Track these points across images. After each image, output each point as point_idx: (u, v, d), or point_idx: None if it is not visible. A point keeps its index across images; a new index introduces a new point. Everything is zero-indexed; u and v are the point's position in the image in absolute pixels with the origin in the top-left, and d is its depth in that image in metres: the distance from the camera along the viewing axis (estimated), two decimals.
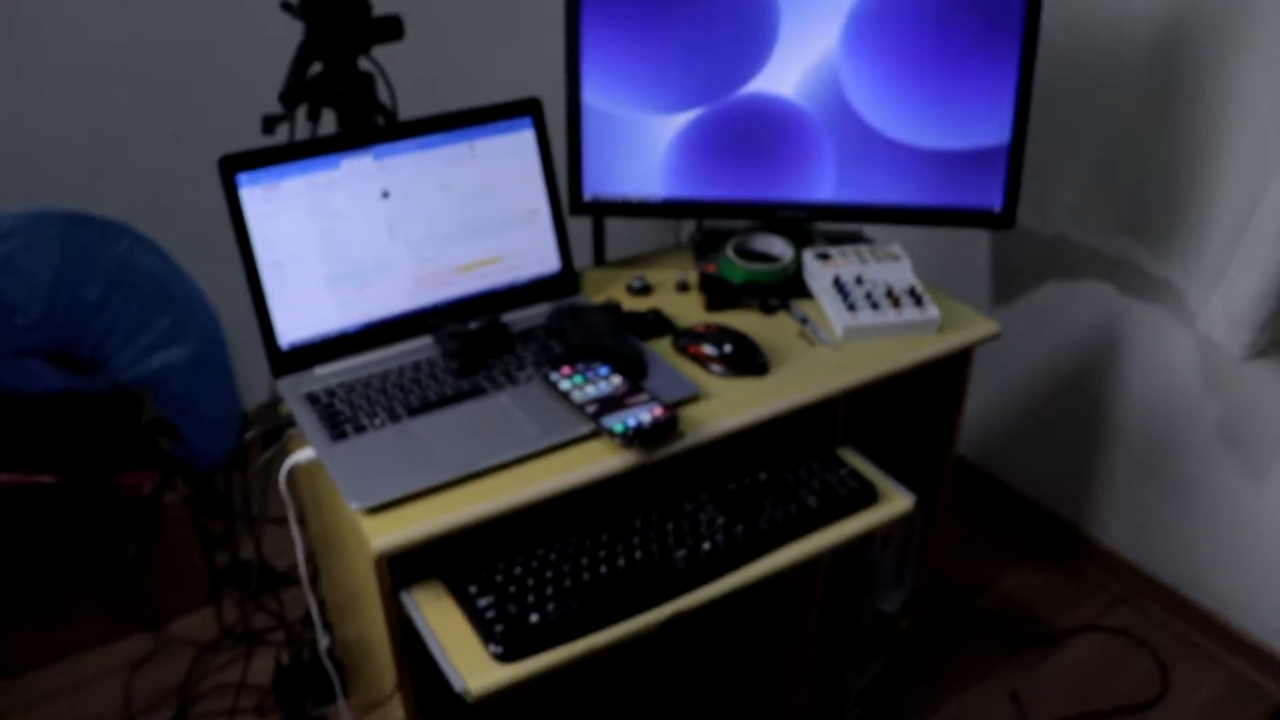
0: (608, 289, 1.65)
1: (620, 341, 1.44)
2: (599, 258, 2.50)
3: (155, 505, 2.09)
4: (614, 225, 2.80)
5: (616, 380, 1.37)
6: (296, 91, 1.45)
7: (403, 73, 1.80)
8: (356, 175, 1.45)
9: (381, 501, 1.22)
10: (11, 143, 2.22)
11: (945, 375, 1.64)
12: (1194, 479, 2.06)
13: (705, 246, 1.72)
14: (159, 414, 2.28)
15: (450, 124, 1.49)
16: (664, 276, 1.69)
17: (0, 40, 2.14)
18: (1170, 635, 2.18)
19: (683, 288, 1.65)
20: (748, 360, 1.44)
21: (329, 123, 1.70)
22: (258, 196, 1.40)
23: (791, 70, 1.58)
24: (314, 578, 1.73)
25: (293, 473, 1.34)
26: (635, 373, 1.41)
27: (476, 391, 1.39)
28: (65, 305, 2.24)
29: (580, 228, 2.74)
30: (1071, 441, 2.28)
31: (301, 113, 1.67)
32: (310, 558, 1.68)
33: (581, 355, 1.42)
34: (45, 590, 2.08)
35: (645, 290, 1.64)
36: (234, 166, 1.38)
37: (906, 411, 1.74)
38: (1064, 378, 2.24)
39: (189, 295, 2.37)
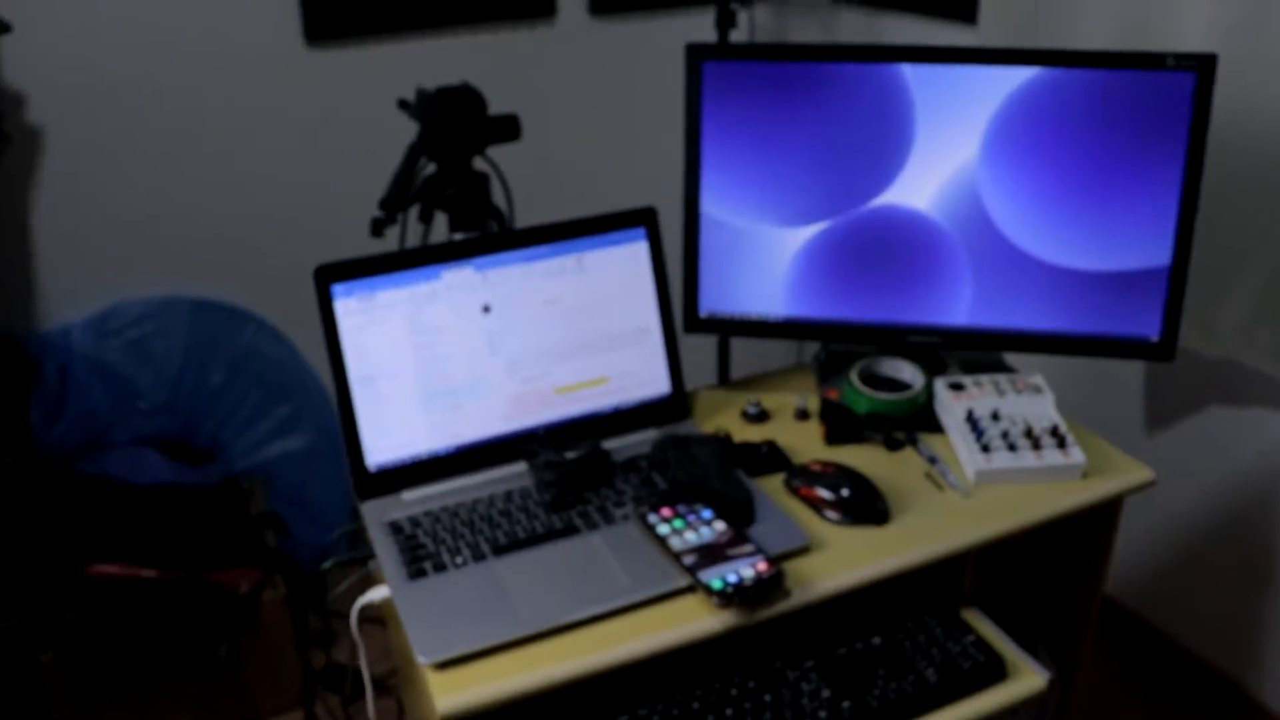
0: (721, 414, 1.54)
1: (727, 480, 1.33)
2: (723, 377, 2.39)
3: (253, 603, 2.04)
4: (736, 340, 2.70)
5: (720, 526, 1.25)
6: (400, 197, 1.39)
7: (519, 175, 1.73)
8: (457, 287, 1.37)
9: (451, 656, 1.12)
10: (146, 230, 2.23)
11: (1089, 525, 1.47)
12: None
13: (829, 368, 1.60)
14: (269, 506, 2.25)
15: (558, 235, 1.41)
16: (783, 401, 1.57)
17: (138, 130, 2.16)
18: None
19: (802, 415, 1.53)
20: (866, 507, 1.31)
21: (441, 226, 1.64)
22: (352, 308, 1.33)
23: (927, 182, 1.45)
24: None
25: (367, 607, 1.25)
26: (741, 518, 1.29)
27: (568, 530, 1.29)
28: (189, 391, 2.24)
29: (703, 343, 2.65)
30: (1234, 587, 2.06)
31: (415, 215, 1.62)
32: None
33: (684, 494, 1.31)
34: (141, 681, 2.04)
35: (761, 417, 1.52)
36: (329, 277, 1.32)
37: (1043, 560, 1.58)
38: (1228, 515, 2.04)
39: (307, 384, 2.35)
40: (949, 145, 1.43)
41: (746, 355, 2.62)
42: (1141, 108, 1.38)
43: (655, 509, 1.28)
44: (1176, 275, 1.44)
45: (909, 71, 1.41)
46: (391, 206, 1.37)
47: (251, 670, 2.13)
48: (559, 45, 2.44)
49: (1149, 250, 1.44)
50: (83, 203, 2.16)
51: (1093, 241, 1.44)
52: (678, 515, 1.27)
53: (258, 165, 2.27)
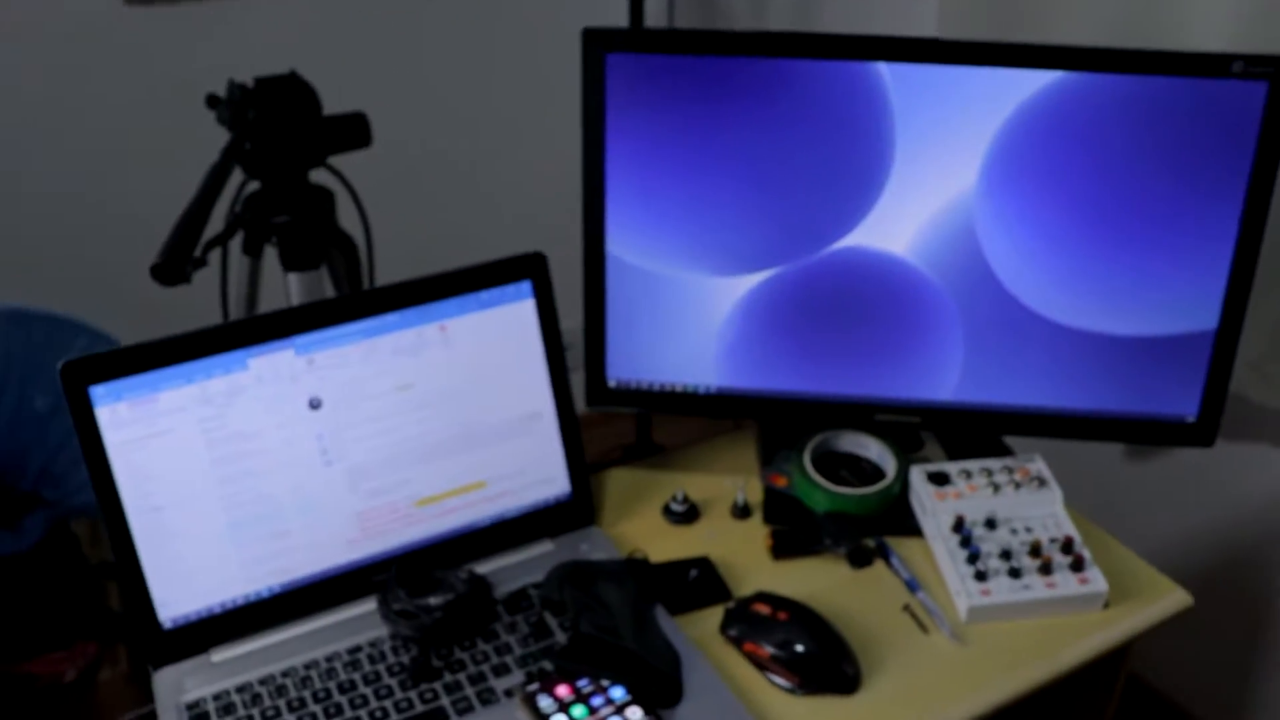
0: (637, 512, 1.20)
1: (644, 635, 0.99)
2: (644, 449, 1.99)
3: (86, 688, 1.68)
4: None
5: (635, 716, 0.92)
6: (184, 247, 1.00)
7: (372, 195, 1.35)
8: (272, 379, 1.00)
9: None
10: None
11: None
12: None
13: (773, 442, 1.25)
14: (113, 555, 1.87)
15: (410, 298, 1.04)
16: (717, 490, 1.22)
17: None
18: None
19: (742, 512, 1.19)
20: (829, 671, 0.99)
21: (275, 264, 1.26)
22: (123, 417, 0.96)
23: (908, 218, 1.10)
24: None
25: None
26: (664, 695, 0.96)
27: (432, 716, 0.95)
28: (8, 418, 1.84)
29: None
30: (1231, 641, 1.77)
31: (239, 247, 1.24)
32: None
33: (585, 660, 0.97)
34: None
35: (690, 515, 1.18)
36: (84, 378, 0.94)
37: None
38: (1228, 560, 1.74)
39: None
40: (938, 171, 1.08)
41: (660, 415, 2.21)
42: (1193, 126, 1.04)
43: (547, 687, 0.94)
44: (1224, 342, 1.11)
45: (887, 72, 1.05)
46: (168, 273, 0.98)
47: None
48: (431, 10, 1.99)
49: (1191, 311, 1.11)
50: None
51: (1120, 299, 1.11)
52: (579, 698, 0.94)
53: (84, 149, 1.85)
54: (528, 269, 1.08)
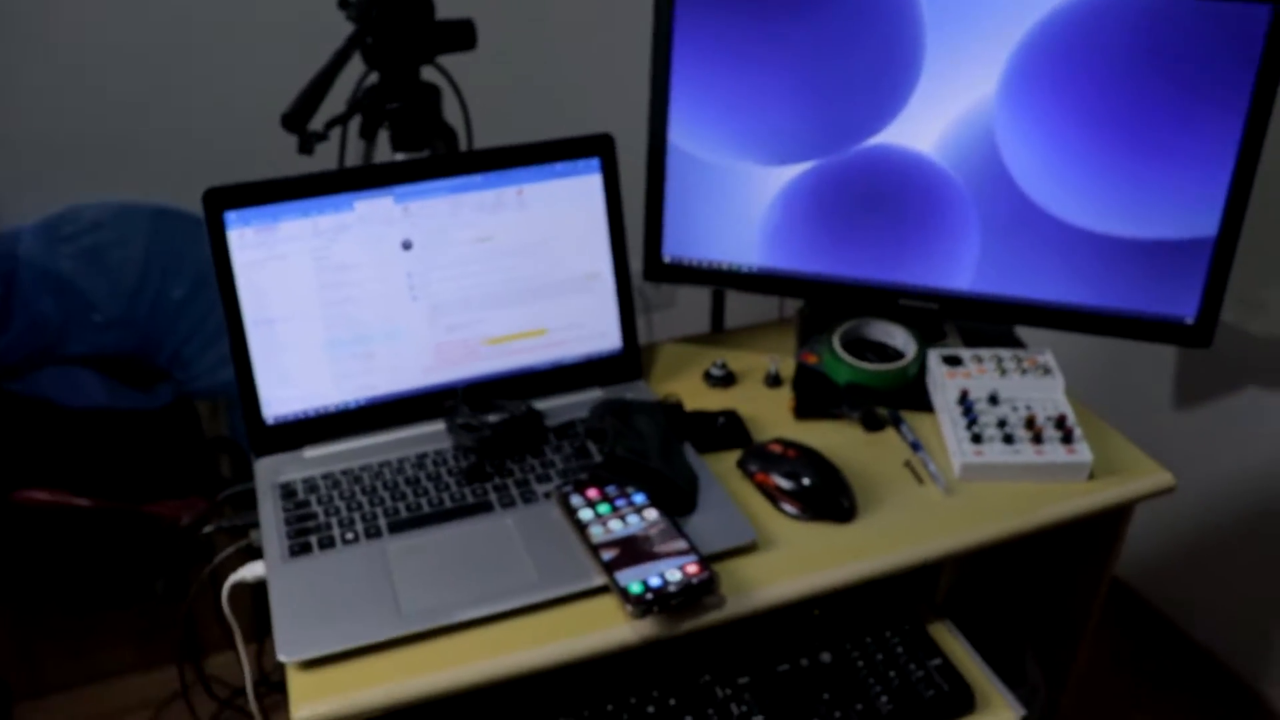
0: (680, 375, 1.35)
1: (670, 458, 1.14)
2: (717, 327, 2.16)
3: (195, 535, 1.90)
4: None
5: (652, 515, 1.07)
6: (305, 111, 1.19)
7: (475, 94, 1.53)
8: (373, 220, 1.19)
9: (317, 655, 0.96)
10: (101, 136, 2.05)
11: (1094, 525, 1.28)
12: None
13: (811, 328, 1.40)
14: (228, 431, 2.10)
15: (494, 163, 1.22)
16: (755, 363, 1.37)
17: (88, 14, 1.96)
18: None
19: (774, 381, 1.33)
20: (828, 501, 1.12)
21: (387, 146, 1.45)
22: (249, 240, 1.15)
23: (934, 120, 1.23)
24: None
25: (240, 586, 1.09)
26: (680, 505, 1.11)
27: (480, 507, 1.12)
28: (148, 305, 2.08)
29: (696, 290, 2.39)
30: (1256, 583, 1.85)
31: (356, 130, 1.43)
32: None
33: (617, 472, 1.13)
34: (77, 613, 1.92)
35: (727, 380, 1.33)
36: (222, 203, 1.14)
37: (1039, 559, 1.38)
38: (1257, 507, 1.82)
39: None
40: (962, 78, 1.21)
41: (737, 306, 2.37)
42: (1200, 44, 1.15)
43: (581, 489, 1.10)
44: (1223, 249, 1.22)
45: None
46: (295, 122, 1.18)
47: (198, 603, 2.00)
48: None
49: (1193, 218, 1.22)
50: (31, 96, 1.98)
51: (1126, 203, 1.23)
52: (605, 499, 1.09)
53: (230, 60, 2.06)
54: (597, 148, 1.25)
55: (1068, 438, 1.19)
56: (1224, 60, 1.16)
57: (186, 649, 1.91)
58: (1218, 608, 1.96)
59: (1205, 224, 1.22)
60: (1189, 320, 1.26)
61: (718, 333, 1.45)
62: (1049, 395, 1.25)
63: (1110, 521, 1.26)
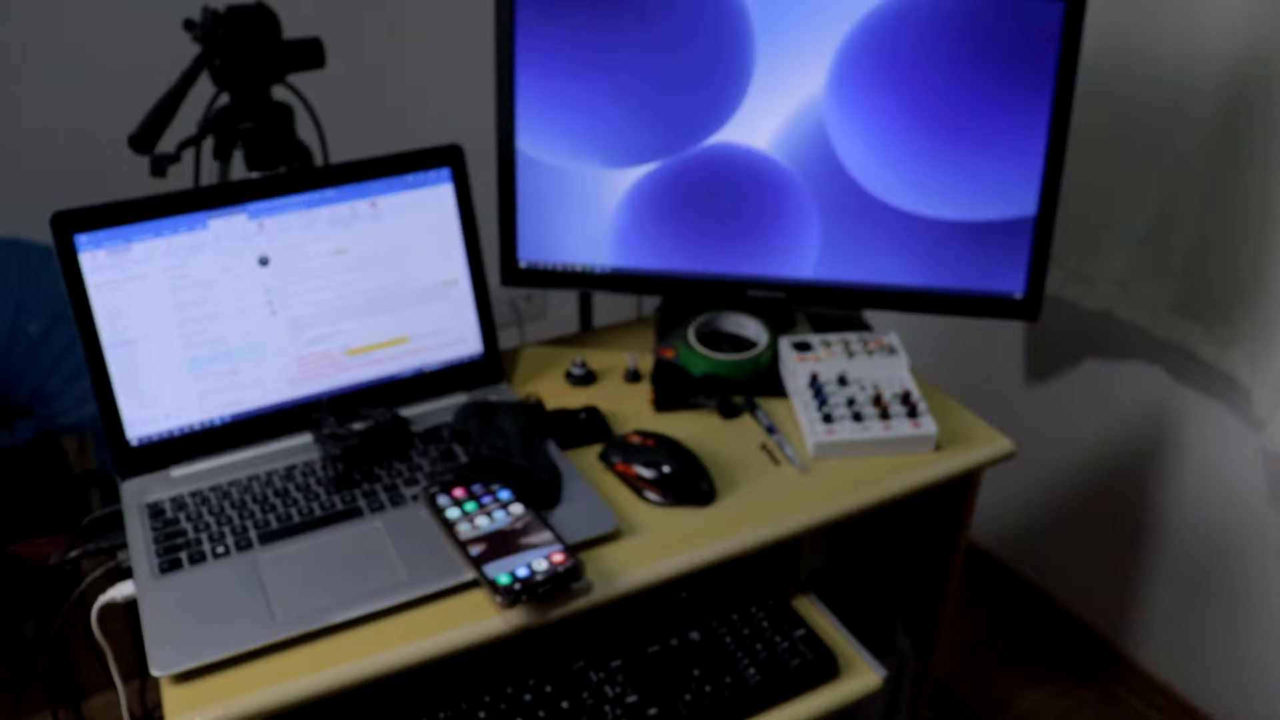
0: (542, 376, 1.39)
1: (532, 456, 1.18)
2: (585, 326, 2.21)
3: (64, 573, 1.86)
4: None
5: (517, 510, 1.11)
6: (152, 132, 1.20)
7: (327, 110, 1.55)
8: (228, 238, 1.20)
9: (190, 667, 0.97)
10: None
11: (946, 494, 1.35)
12: (1251, 603, 1.74)
13: (668, 324, 1.45)
14: (97, 465, 2.06)
15: (346, 176, 1.24)
16: (615, 361, 1.42)
17: None
18: None
19: (634, 377, 1.38)
20: (688, 486, 1.17)
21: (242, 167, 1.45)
22: (102, 262, 1.16)
23: (767, 118, 1.29)
24: None
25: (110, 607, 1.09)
26: (545, 498, 1.15)
27: (349, 513, 1.14)
28: (3, 340, 2.03)
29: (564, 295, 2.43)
30: (1110, 546, 1.96)
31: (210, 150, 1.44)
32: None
33: (482, 472, 1.16)
34: None
35: (587, 379, 1.37)
36: (71, 225, 1.14)
37: (898, 529, 1.45)
38: (1104, 473, 1.93)
39: None
40: (793, 76, 1.28)
41: (604, 308, 2.43)
42: (1007, 39, 1.24)
43: (446, 489, 1.13)
44: (1043, 227, 1.31)
45: None
46: (142, 143, 1.19)
47: (73, 642, 1.96)
48: None
49: (1013, 199, 1.30)
50: None
51: (952, 188, 1.30)
52: (471, 497, 1.12)
53: (71, 78, 2.02)
54: (447, 158, 1.28)
55: (913, 412, 1.26)
56: (1028, 51, 1.24)
57: (60, 687, 1.87)
58: (1076, 572, 2.06)
59: (1025, 203, 1.30)
60: (1018, 295, 1.34)
61: (578, 334, 1.48)
62: (895, 374, 1.32)
63: (960, 489, 1.33)
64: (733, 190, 1.32)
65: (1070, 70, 1.24)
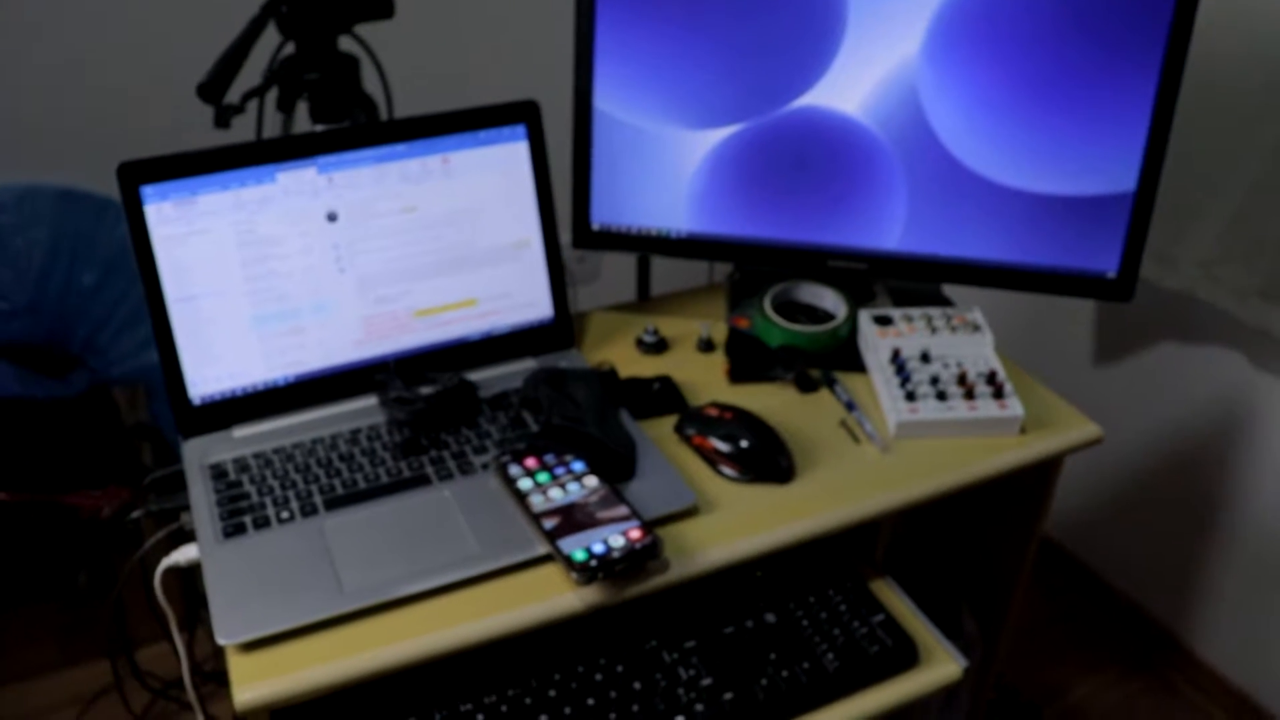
0: (613, 343, 1.35)
1: (607, 425, 1.14)
2: (643, 296, 2.16)
3: (118, 526, 1.85)
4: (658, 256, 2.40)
5: (592, 482, 1.07)
6: (222, 81, 1.16)
7: (393, 63, 1.50)
8: (296, 192, 1.16)
9: (256, 637, 0.94)
10: (3, 113, 1.96)
11: (1026, 479, 1.30)
12: None
13: (742, 292, 1.40)
14: (148, 417, 2.04)
15: (418, 131, 1.19)
16: (687, 328, 1.37)
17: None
18: None
19: (707, 346, 1.33)
20: (767, 462, 1.13)
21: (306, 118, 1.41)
22: (168, 215, 1.12)
23: (858, 82, 1.24)
24: None
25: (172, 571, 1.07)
26: (620, 472, 1.11)
27: (417, 480, 1.10)
28: (57, 291, 2.01)
29: (620, 257, 2.38)
30: (1179, 536, 1.91)
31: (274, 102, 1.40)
32: None
33: (554, 441, 1.12)
34: None
35: (659, 347, 1.32)
36: (137, 177, 1.10)
37: (972, 513, 1.41)
38: (1177, 461, 1.87)
39: None
40: (886, 38, 1.22)
41: (662, 274, 2.37)
42: (1117, 7, 1.17)
43: (518, 458, 1.09)
44: (1142, 204, 1.24)
45: None
46: (210, 92, 1.15)
47: (125, 596, 1.95)
48: None
49: (1112, 174, 1.24)
50: None
51: (1049, 160, 1.24)
52: (544, 467, 1.08)
53: (136, 34, 1.99)
54: (523, 114, 1.23)
55: (999, 392, 1.21)
56: (1138, 19, 1.18)
57: (117, 640, 1.86)
58: (1138, 559, 2.01)
59: (1124, 179, 1.24)
60: (1111, 275, 1.28)
61: (647, 300, 1.44)
62: (979, 352, 1.27)
63: (1040, 475, 1.28)
64: (817, 156, 1.27)
65: (1182, 41, 1.17)
